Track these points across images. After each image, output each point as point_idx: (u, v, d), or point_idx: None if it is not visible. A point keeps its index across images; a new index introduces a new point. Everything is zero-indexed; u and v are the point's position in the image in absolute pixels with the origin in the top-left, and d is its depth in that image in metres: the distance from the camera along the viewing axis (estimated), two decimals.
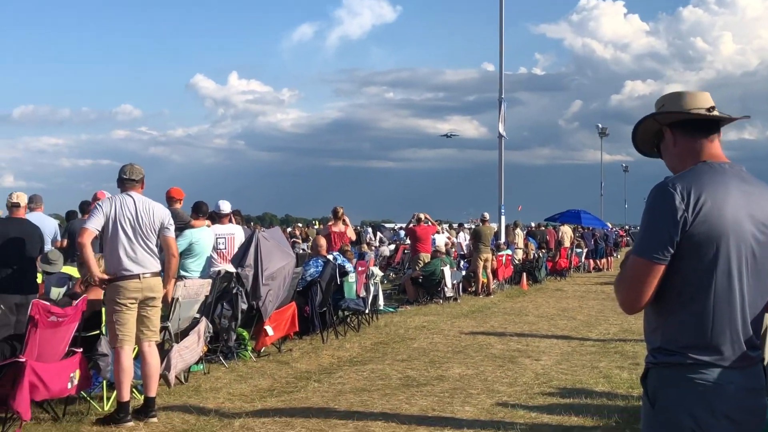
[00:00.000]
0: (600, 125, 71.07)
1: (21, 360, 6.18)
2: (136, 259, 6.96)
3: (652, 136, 3.12)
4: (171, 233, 7.36)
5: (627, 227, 68.04)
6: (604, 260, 32.97)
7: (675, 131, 3.00)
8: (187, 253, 10.19)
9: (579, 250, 30.46)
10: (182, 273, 9.99)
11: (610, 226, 45.07)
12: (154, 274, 7.08)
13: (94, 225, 6.92)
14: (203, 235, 10.46)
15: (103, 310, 7.28)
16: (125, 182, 7.21)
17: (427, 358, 10.42)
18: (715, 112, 2.97)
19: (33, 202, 11.64)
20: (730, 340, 2.75)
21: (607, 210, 72.33)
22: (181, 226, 10.41)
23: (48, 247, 11.03)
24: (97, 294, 7.41)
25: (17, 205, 8.89)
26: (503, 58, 28.95)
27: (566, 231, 29.19)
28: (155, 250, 7.22)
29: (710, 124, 2.98)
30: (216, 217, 11.16)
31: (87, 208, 11.91)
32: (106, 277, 6.96)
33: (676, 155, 3.00)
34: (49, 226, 11.71)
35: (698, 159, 2.92)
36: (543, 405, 7.69)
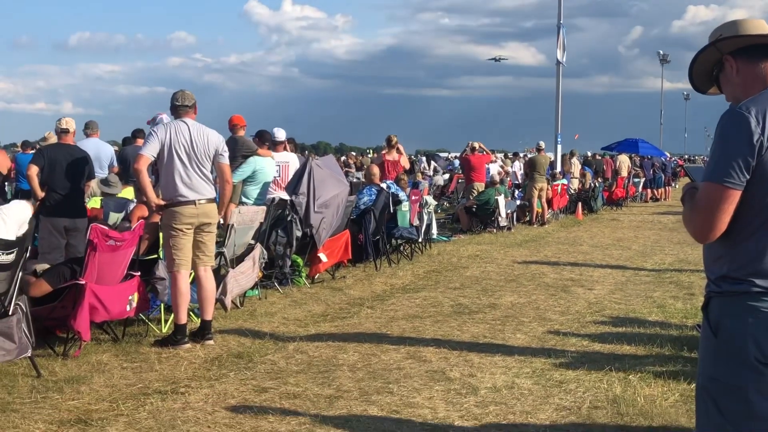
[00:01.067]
0: (661, 52, 69.26)
1: (81, 282, 6.35)
2: (192, 185, 7.02)
3: (710, 68, 3.04)
4: (225, 159, 7.39)
5: (686, 156, 66.69)
6: (661, 190, 32.42)
7: (737, 58, 2.92)
8: (250, 180, 10.36)
9: (637, 180, 29.99)
10: (243, 199, 10.17)
11: (668, 155, 44.24)
12: (210, 200, 7.15)
13: (149, 151, 6.98)
14: (267, 164, 10.59)
15: (160, 235, 7.40)
16: (178, 109, 7.24)
17: (480, 286, 10.44)
18: None
19: (89, 128, 11.83)
20: None
21: (666, 139, 70.94)
22: (248, 154, 10.53)
23: (105, 172, 11.24)
24: (155, 219, 7.53)
25: (66, 131, 9.06)
26: None
27: (623, 160, 28.72)
28: (210, 176, 7.27)
29: None
30: (271, 145, 11.22)
31: (139, 135, 12.06)
32: (162, 202, 7.05)
33: (740, 83, 2.92)
34: (105, 152, 11.91)
35: (765, 84, 2.85)
36: (595, 333, 7.68)
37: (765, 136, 2.65)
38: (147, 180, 7.02)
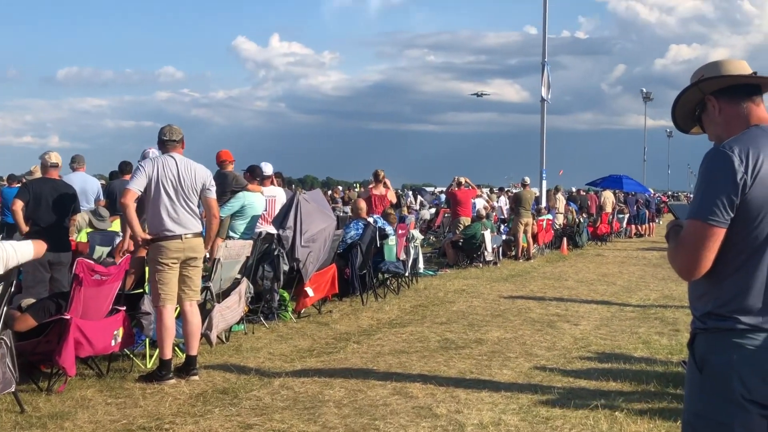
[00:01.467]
0: (644, 90, 69.99)
1: (66, 317, 6.31)
2: (178, 220, 7.03)
3: (692, 108, 3.09)
4: (213, 194, 7.41)
5: (670, 193, 67.12)
6: (645, 226, 32.58)
7: (719, 98, 2.97)
8: (238, 214, 10.37)
9: (621, 216, 30.16)
10: (230, 234, 10.17)
11: (652, 191, 44.51)
12: (196, 235, 7.15)
13: (136, 186, 6.99)
14: (256, 199, 10.62)
15: (146, 269, 7.38)
16: (166, 143, 7.26)
17: (466, 321, 10.43)
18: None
19: (75, 162, 11.82)
20: None
21: (650, 175, 71.49)
22: (238, 189, 10.57)
23: (91, 206, 11.22)
24: (142, 253, 7.51)
25: (52, 165, 9.04)
26: (547, 20, 28.56)
27: (608, 196, 28.93)
28: (197, 210, 7.28)
29: (753, 89, 2.95)
30: (259, 179, 11.24)
31: (126, 168, 12.07)
32: (148, 237, 7.04)
33: (723, 123, 2.97)
34: (92, 185, 11.89)
35: (747, 123, 2.89)
36: (581, 369, 7.68)
37: (748, 174, 2.69)
38: (134, 214, 7.01)
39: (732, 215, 2.70)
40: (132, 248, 7.73)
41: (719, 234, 2.71)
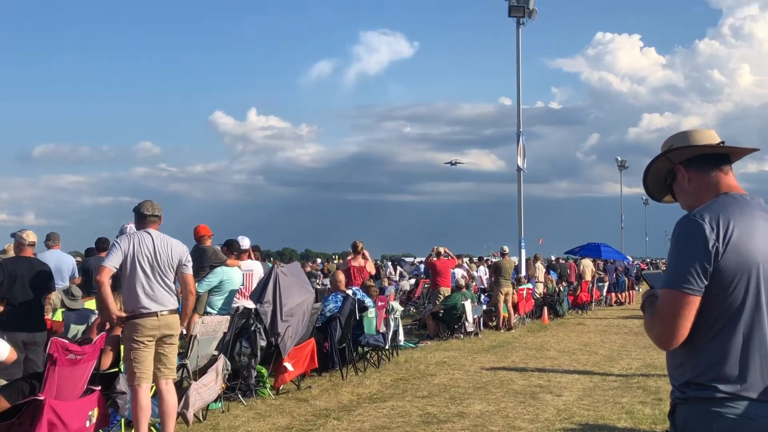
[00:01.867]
0: (619, 158, 70.84)
1: (40, 398, 6.17)
2: (154, 297, 6.96)
3: (663, 177, 3.12)
4: (189, 270, 7.36)
5: (648, 260, 67.50)
6: (625, 293, 32.67)
7: (688, 168, 3.00)
8: (216, 289, 10.28)
9: (601, 284, 30.24)
10: (208, 309, 10.08)
11: (630, 259, 44.75)
12: (172, 312, 7.08)
13: (112, 263, 6.93)
14: (234, 273, 10.56)
15: (121, 347, 7.27)
16: (147, 218, 7.23)
17: (448, 394, 10.32)
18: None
19: (50, 240, 11.76)
20: (760, 373, 2.72)
21: (628, 243, 71.90)
22: (216, 265, 10.52)
23: (66, 283, 11.11)
24: (117, 332, 7.41)
25: (26, 244, 8.96)
26: (521, 92, 29.06)
27: (587, 264, 29.03)
28: (173, 287, 7.22)
29: (722, 158, 2.99)
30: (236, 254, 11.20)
31: (102, 245, 12.01)
32: (123, 314, 6.96)
33: (692, 192, 3.00)
34: (67, 263, 11.82)
35: (717, 192, 2.92)
36: None
37: (720, 242, 2.70)
38: (109, 292, 6.94)
39: (706, 283, 2.71)
40: (108, 326, 7.63)
41: (694, 302, 2.71)
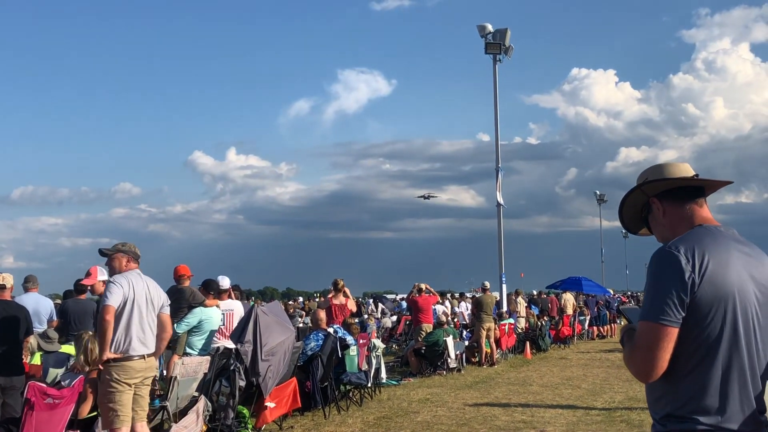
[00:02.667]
0: (597, 192, 71.26)
1: None
2: (144, 339, 6.91)
3: (639, 210, 3.15)
4: (168, 310, 7.31)
5: (629, 293, 67.72)
6: (607, 327, 32.72)
7: (663, 201, 3.03)
8: (195, 330, 10.22)
9: (582, 318, 30.28)
10: (187, 350, 9.99)
11: (611, 292, 44.88)
12: (151, 354, 7.02)
13: (116, 302, 6.79)
14: (213, 313, 10.49)
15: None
16: (135, 260, 7.19)
17: (431, 431, 10.24)
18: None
19: (28, 282, 11.66)
20: (740, 404, 2.72)
21: (609, 276, 72.02)
22: (195, 305, 10.46)
23: (44, 326, 11.00)
24: (94, 375, 7.30)
25: (2, 287, 8.86)
26: (498, 127, 29.31)
27: (568, 298, 29.08)
28: (155, 329, 7.16)
29: (696, 190, 3.02)
30: (215, 293, 11.15)
31: (80, 286, 11.87)
32: (114, 356, 6.80)
33: (667, 224, 3.02)
34: (44, 306, 11.70)
35: (692, 224, 2.94)
36: None
37: (696, 273, 2.72)
38: (110, 333, 6.76)
39: (683, 314, 2.71)
40: (87, 369, 7.53)
41: (672, 334, 2.72)
